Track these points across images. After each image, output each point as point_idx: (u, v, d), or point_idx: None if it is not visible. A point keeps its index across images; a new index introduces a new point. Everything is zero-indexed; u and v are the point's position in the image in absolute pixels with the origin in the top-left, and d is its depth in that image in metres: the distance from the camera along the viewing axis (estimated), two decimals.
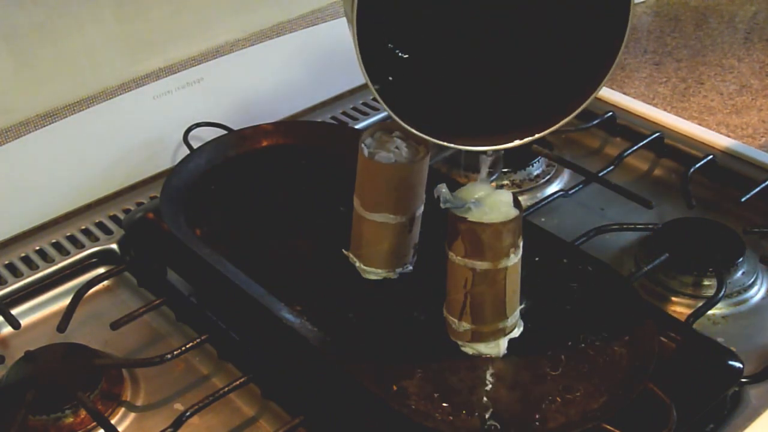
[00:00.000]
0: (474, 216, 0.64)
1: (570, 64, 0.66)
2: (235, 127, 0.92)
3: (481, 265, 0.65)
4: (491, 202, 0.65)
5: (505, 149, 0.65)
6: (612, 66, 0.63)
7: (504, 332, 0.69)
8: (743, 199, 0.89)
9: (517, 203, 0.66)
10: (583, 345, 0.69)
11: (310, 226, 0.83)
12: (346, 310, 0.74)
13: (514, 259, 0.66)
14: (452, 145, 0.64)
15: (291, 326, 0.70)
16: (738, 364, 0.69)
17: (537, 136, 0.65)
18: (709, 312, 0.76)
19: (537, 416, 0.64)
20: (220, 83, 0.99)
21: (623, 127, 1.02)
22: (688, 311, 0.76)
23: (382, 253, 0.75)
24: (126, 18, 0.90)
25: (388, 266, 0.76)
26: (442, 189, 0.65)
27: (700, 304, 0.76)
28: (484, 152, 0.67)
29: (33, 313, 0.82)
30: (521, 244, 0.66)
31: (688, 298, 0.80)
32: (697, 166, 0.93)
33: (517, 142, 0.65)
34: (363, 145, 0.72)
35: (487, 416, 0.64)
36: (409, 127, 0.62)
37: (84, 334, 0.79)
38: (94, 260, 0.86)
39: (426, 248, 0.77)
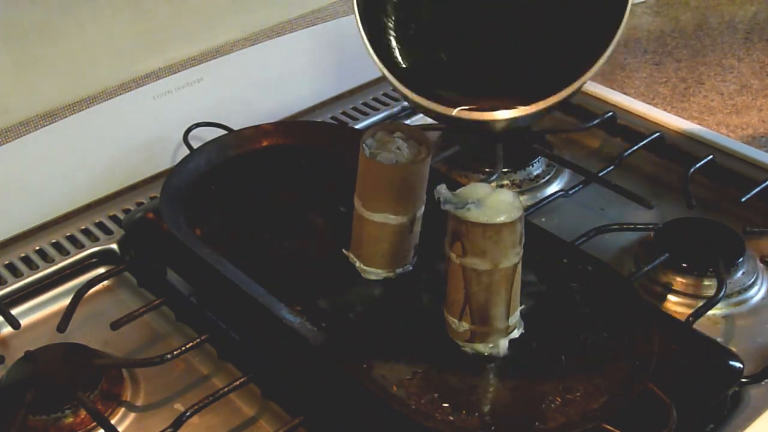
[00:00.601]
0: (474, 216, 0.64)
1: (571, 40, 0.67)
2: (235, 127, 0.92)
3: (482, 265, 0.65)
4: (492, 203, 0.65)
5: (514, 118, 0.65)
6: (612, 42, 0.63)
7: (504, 333, 0.69)
8: (743, 199, 0.89)
9: (518, 203, 0.66)
10: (583, 345, 0.69)
11: (310, 226, 0.83)
12: (346, 310, 0.74)
13: (515, 259, 0.66)
14: (443, 110, 0.65)
15: (291, 326, 0.70)
16: (738, 364, 0.69)
17: (537, 107, 0.65)
18: (709, 312, 0.76)
19: (537, 416, 0.64)
20: (220, 83, 0.99)
21: (623, 127, 1.02)
22: (688, 311, 0.76)
23: (383, 254, 0.75)
24: (126, 18, 0.90)
25: (389, 266, 0.76)
26: (443, 189, 0.65)
27: (700, 304, 0.76)
28: (487, 123, 0.67)
29: (33, 313, 0.82)
30: (522, 245, 0.66)
31: (688, 298, 0.80)
32: (697, 166, 0.93)
33: (524, 110, 0.65)
34: (364, 145, 0.72)
35: (487, 416, 0.64)
36: (408, 91, 0.63)
37: (84, 334, 0.79)
38: (94, 260, 0.86)
39: (426, 248, 0.77)
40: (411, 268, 0.77)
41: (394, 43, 0.70)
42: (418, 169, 0.72)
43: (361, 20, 0.63)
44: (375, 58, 0.64)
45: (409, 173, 0.71)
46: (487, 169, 0.94)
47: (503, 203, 0.65)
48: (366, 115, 1.06)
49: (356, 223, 0.76)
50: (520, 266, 0.67)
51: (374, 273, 0.76)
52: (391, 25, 0.70)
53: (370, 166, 0.72)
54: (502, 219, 0.64)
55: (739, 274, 0.82)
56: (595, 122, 1.01)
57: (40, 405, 0.70)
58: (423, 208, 0.74)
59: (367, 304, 0.74)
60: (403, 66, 0.70)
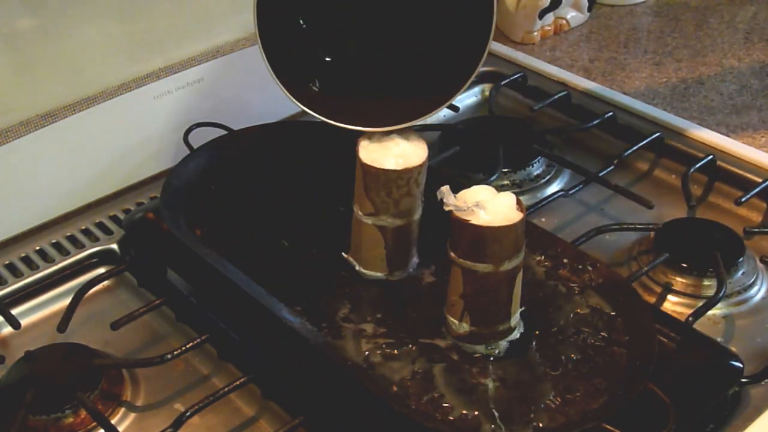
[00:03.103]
0: (477, 218, 0.64)
1: (448, 54, 0.73)
2: (235, 127, 0.92)
3: (483, 267, 0.65)
4: (494, 205, 0.65)
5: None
6: (483, 55, 0.71)
7: (504, 334, 0.69)
8: (743, 199, 0.89)
9: (519, 206, 0.66)
10: (583, 345, 0.69)
11: (310, 226, 0.83)
12: (346, 310, 0.73)
13: (516, 261, 0.66)
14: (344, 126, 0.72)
15: (291, 326, 0.70)
16: (738, 364, 0.69)
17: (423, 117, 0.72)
18: (709, 312, 0.76)
19: (537, 416, 0.64)
20: (220, 83, 0.99)
21: (623, 127, 1.02)
22: (688, 311, 0.76)
23: (382, 257, 0.75)
24: (126, 18, 0.90)
25: (388, 270, 0.76)
26: (446, 191, 0.65)
27: (700, 304, 0.76)
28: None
29: (33, 313, 0.82)
30: (524, 247, 0.66)
31: (688, 298, 0.80)
32: (697, 166, 0.93)
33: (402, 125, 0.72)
34: (361, 147, 0.72)
35: (487, 416, 0.64)
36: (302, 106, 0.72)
37: (84, 334, 0.79)
38: (94, 260, 0.86)
39: (427, 250, 0.77)
40: (411, 270, 0.77)
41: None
42: (416, 172, 0.72)
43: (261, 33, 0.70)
44: (270, 70, 0.70)
45: (407, 176, 0.71)
46: (487, 169, 0.94)
47: (505, 206, 0.65)
48: None
49: (355, 227, 0.75)
50: (521, 268, 0.67)
51: (374, 277, 0.76)
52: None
53: (367, 170, 0.71)
54: (504, 221, 0.64)
55: (739, 274, 0.82)
56: (595, 122, 1.01)
57: (40, 405, 0.70)
58: (421, 210, 0.74)
59: (367, 305, 0.74)
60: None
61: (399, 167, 0.71)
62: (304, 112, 0.75)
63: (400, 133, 0.74)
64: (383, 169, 0.71)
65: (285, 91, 0.73)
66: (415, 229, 0.75)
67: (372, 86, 0.77)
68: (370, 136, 0.73)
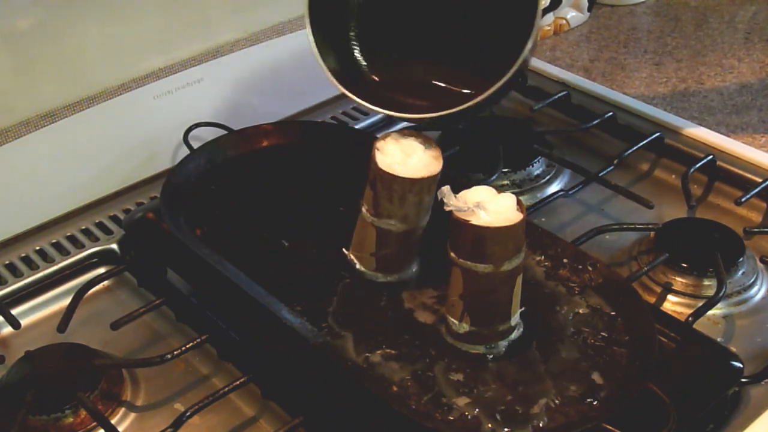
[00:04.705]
0: (477, 219, 0.64)
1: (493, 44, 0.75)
2: (235, 127, 0.92)
3: (484, 267, 0.65)
4: (494, 205, 0.65)
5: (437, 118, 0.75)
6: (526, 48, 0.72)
7: (504, 334, 0.69)
8: (743, 199, 0.89)
9: (520, 207, 0.66)
10: (583, 345, 0.69)
11: (310, 226, 0.83)
12: (346, 310, 0.73)
13: (516, 262, 0.66)
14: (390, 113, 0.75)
15: (291, 326, 0.70)
16: (738, 364, 0.69)
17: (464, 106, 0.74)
18: (709, 312, 0.76)
19: (537, 416, 0.64)
20: (220, 83, 0.99)
21: (623, 127, 1.02)
22: (688, 311, 0.76)
23: (385, 259, 0.75)
24: (126, 18, 0.90)
25: (389, 271, 0.76)
26: (446, 191, 0.65)
27: (700, 304, 0.76)
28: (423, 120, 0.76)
29: (33, 313, 0.82)
30: (524, 248, 0.66)
31: (688, 298, 0.80)
32: (697, 166, 0.93)
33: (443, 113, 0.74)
34: (377, 152, 0.72)
35: (487, 416, 0.64)
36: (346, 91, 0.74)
37: (84, 334, 0.79)
38: (94, 260, 0.86)
39: (428, 250, 0.77)
40: (412, 271, 0.76)
41: (357, 50, 0.78)
42: (430, 181, 0.71)
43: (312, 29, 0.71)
44: (321, 62, 0.71)
45: (421, 185, 0.71)
46: (487, 169, 0.94)
47: (505, 207, 0.65)
48: (366, 115, 1.06)
49: (360, 227, 0.75)
50: (521, 269, 0.67)
51: (374, 277, 0.76)
52: (352, 34, 0.77)
53: (382, 175, 0.71)
54: (504, 222, 0.64)
55: (739, 274, 0.82)
56: (595, 122, 1.01)
57: (40, 405, 0.70)
58: (429, 217, 0.74)
59: (367, 304, 0.74)
60: (364, 64, 0.80)
61: (414, 176, 0.70)
62: (344, 95, 0.76)
63: (419, 140, 0.73)
64: (398, 177, 0.70)
65: (328, 73, 0.75)
66: (421, 234, 0.75)
67: (414, 73, 0.78)
68: (386, 140, 0.73)
